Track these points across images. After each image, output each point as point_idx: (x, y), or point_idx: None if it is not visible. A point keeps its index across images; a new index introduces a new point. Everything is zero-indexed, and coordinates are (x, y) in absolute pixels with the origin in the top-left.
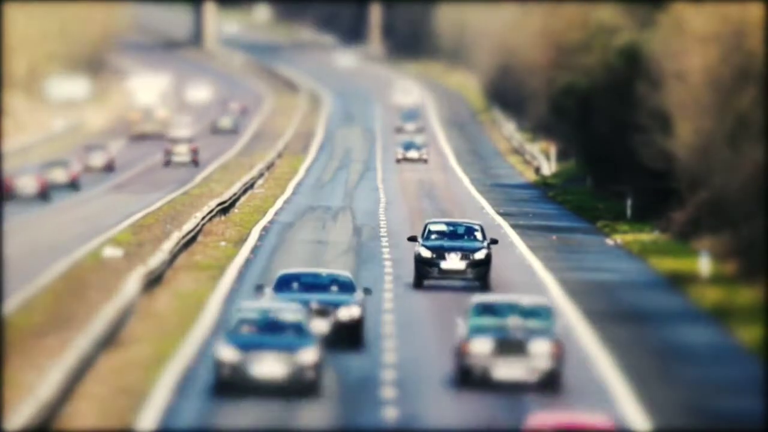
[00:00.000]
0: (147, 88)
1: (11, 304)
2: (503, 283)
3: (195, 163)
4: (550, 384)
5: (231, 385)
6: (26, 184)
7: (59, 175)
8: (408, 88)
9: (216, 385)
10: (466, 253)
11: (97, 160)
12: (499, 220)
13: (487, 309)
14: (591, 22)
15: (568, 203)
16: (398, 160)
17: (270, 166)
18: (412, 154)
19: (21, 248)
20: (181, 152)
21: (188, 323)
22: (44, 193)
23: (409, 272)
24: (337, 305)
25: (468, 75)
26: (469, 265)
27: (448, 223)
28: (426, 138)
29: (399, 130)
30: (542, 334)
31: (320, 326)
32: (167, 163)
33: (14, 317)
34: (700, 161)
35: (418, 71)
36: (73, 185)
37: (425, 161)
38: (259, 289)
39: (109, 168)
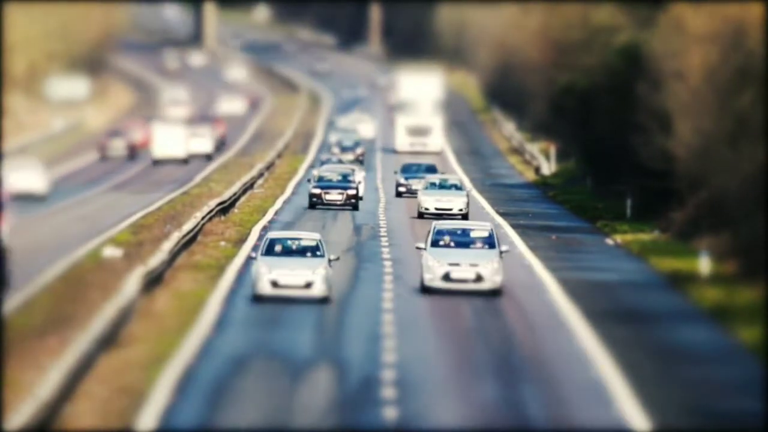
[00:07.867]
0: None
1: (11, 304)
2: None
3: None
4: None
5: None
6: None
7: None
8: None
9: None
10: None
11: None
12: (499, 219)
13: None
14: (591, 21)
15: (568, 203)
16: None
17: (270, 166)
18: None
19: (21, 248)
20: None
21: (188, 323)
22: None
23: (409, 273)
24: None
25: (468, 75)
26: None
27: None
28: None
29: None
30: None
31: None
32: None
33: (14, 317)
34: (700, 161)
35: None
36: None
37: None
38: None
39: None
